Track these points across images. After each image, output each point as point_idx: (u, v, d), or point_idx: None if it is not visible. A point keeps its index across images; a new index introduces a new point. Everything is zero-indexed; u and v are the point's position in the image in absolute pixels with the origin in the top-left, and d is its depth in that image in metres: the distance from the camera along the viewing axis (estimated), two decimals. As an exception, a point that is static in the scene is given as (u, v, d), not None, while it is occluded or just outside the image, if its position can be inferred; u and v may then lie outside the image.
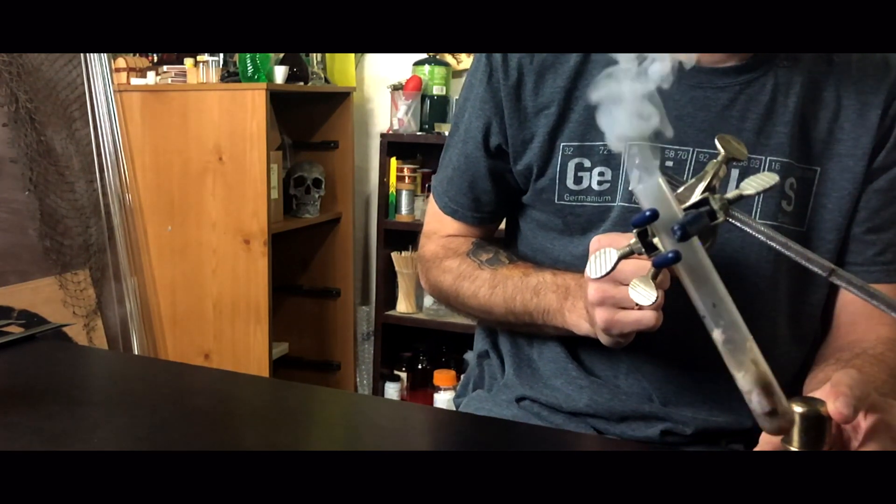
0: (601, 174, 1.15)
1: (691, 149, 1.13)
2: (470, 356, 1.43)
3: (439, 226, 1.33)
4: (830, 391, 0.76)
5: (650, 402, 1.17)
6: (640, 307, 0.91)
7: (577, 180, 1.17)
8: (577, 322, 1.07)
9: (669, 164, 1.12)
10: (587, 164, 1.16)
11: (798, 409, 0.74)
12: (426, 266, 1.32)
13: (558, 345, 1.22)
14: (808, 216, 1.15)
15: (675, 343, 1.14)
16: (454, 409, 1.36)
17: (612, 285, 0.93)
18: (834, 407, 0.74)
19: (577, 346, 1.21)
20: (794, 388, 1.20)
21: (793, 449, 0.74)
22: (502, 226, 1.37)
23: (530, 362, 1.26)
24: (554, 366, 1.22)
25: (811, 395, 0.77)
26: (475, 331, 1.39)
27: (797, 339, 1.20)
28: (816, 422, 0.74)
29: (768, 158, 1.12)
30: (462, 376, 1.46)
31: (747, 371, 0.74)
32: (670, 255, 0.76)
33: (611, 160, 1.15)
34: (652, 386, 1.17)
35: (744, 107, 1.13)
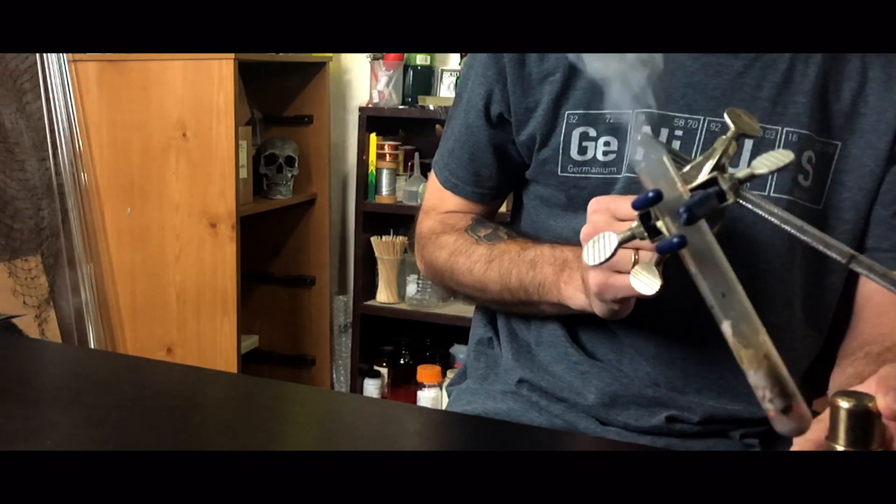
0: (607, 144, 1.17)
1: (702, 118, 1.14)
2: (457, 349, 1.44)
3: (438, 202, 1.35)
4: (878, 386, 0.76)
5: (655, 386, 1.18)
6: None
7: (582, 150, 1.18)
8: (574, 295, 1.09)
9: (679, 133, 1.14)
10: (592, 133, 1.17)
11: (844, 404, 0.73)
12: (422, 243, 1.34)
13: (558, 327, 1.23)
14: (826, 193, 1.16)
15: (680, 324, 1.15)
16: (445, 397, 1.37)
17: None
18: (884, 402, 0.74)
19: (577, 328, 1.22)
20: (809, 380, 1.20)
21: (839, 448, 0.74)
22: (504, 209, 1.38)
23: (528, 348, 1.27)
24: (553, 350, 1.23)
25: (855, 389, 0.77)
26: (472, 317, 1.41)
27: (813, 325, 1.21)
28: (864, 418, 0.73)
29: (785, 129, 1.13)
30: (460, 364, 1.47)
31: (759, 367, 0.74)
32: (675, 240, 0.75)
33: (618, 129, 1.16)
34: (656, 370, 1.18)
35: (759, 74, 1.14)
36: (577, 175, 1.19)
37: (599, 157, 1.17)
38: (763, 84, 1.14)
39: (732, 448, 1.18)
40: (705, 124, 1.14)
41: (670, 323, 1.15)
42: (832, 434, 0.74)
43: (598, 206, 0.96)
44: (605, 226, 0.92)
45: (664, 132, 1.14)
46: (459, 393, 1.34)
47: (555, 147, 1.20)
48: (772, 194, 1.12)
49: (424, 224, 1.35)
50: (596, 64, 0.87)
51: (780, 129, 1.13)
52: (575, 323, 1.22)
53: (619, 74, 0.90)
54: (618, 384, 1.19)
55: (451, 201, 1.34)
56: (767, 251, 1.15)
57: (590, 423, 1.20)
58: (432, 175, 1.37)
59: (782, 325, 1.16)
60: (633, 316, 1.01)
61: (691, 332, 1.16)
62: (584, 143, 1.18)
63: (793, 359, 1.14)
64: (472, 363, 1.37)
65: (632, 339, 1.19)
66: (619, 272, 0.94)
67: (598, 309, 1.01)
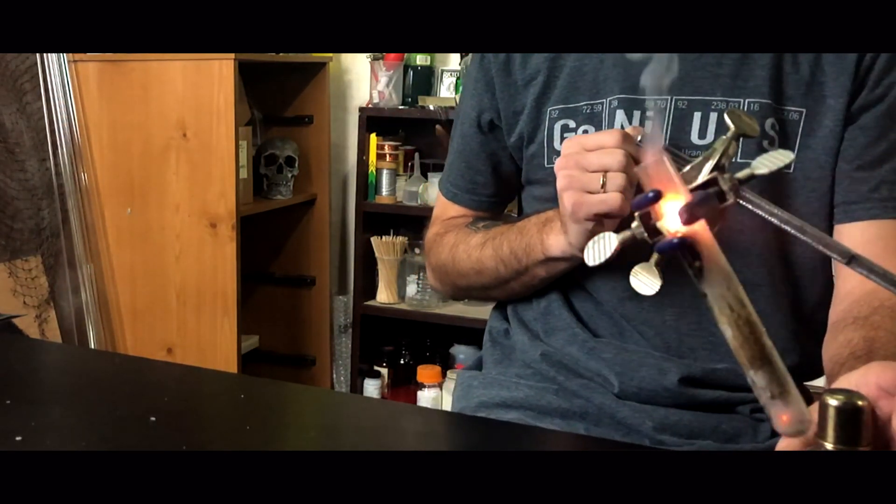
0: (585, 132, 1.25)
1: (669, 97, 1.21)
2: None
3: (442, 212, 1.45)
4: (876, 393, 0.76)
5: (662, 352, 1.23)
6: (605, 189, 1.04)
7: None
8: (554, 241, 1.19)
9: (650, 114, 1.22)
10: (572, 124, 1.27)
11: (833, 402, 0.73)
12: (428, 249, 1.43)
13: (563, 312, 1.29)
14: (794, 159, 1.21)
15: (673, 290, 1.17)
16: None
17: (580, 171, 1.07)
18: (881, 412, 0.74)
19: (580, 314, 1.29)
20: (797, 337, 1.25)
21: (828, 445, 0.73)
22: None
23: (538, 336, 1.32)
24: (563, 334, 1.29)
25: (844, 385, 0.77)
26: (490, 315, 1.46)
27: (789, 280, 1.25)
28: (854, 416, 0.73)
29: (747, 101, 1.20)
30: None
31: (761, 368, 0.74)
32: (675, 240, 0.75)
33: (594, 118, 1.25)
34: (654, 332, 1.24)
35: (718, 52, 1.21)
36: None
37: None
38: (722, 62, 1.21)
39: (743, 422, 1.22)
40: (673, 103, 1.22)
41: (665, 292, 1.17)
42: (821, 431, 0.74)
43: (571, 143, 1.08)
44: (577, 156, 1.07)
45: (636, 114, 1.22)
46: (471, 384, 1.37)
47: (540, 142, 1.30)
48: (738, 160, 1.16)
49: (430, 231, 1.44)
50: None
51: (742, 100, 1.20)
52: (577, 308, 1.29)
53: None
54: (626, 353, 1.24)
55: (453, 210, 1.43)
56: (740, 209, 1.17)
57: (606, 399, 1.24)
58: (438, 192, 1.47)
59: (759, 280, 1.21)
60: (628, 292, 1.06)
61: (686, 294, 1.20)
62: (566, 135, 1.27)
63: (773, 310, 1.22)
64: (489, 350, 1.42)
65: (639, 315, 1.25)
66: (590, 192, 1.05)
67: (574, 237, 1.11)
